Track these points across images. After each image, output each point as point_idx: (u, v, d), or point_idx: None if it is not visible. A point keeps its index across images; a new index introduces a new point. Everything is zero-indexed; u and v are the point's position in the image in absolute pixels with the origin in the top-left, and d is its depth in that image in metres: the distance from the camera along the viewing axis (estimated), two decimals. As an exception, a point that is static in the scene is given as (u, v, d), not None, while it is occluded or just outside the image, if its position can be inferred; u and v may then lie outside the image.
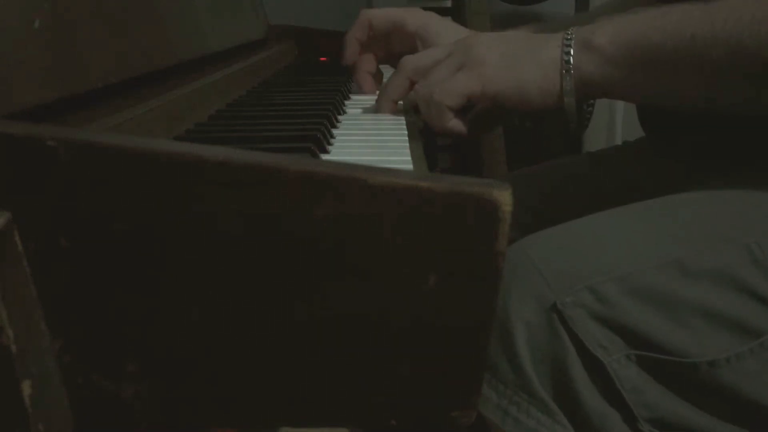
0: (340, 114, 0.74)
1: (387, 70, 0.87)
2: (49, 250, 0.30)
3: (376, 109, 0.72)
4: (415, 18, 0.78)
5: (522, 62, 0.60)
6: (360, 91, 0.84)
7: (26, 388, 0.27)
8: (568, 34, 0.58)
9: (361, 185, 0.29)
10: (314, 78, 0.99)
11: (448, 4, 1.80)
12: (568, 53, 0.57)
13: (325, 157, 0.56)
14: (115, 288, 0.30)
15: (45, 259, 0.30)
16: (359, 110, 0.76)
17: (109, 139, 0.30)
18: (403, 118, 0.70)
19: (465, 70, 0.61)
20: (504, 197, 0.29)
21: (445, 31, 0.77)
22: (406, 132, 0.64)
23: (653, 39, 0.55)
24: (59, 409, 0.30)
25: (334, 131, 0.64)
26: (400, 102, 0.72)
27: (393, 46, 0.81)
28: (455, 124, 0.63)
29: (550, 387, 0.50)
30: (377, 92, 0.80)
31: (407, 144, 0.59)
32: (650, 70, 0.55)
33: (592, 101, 0.64)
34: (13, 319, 0.27)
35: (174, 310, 0.31)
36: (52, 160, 0.29)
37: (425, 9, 0.80)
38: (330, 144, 0.60)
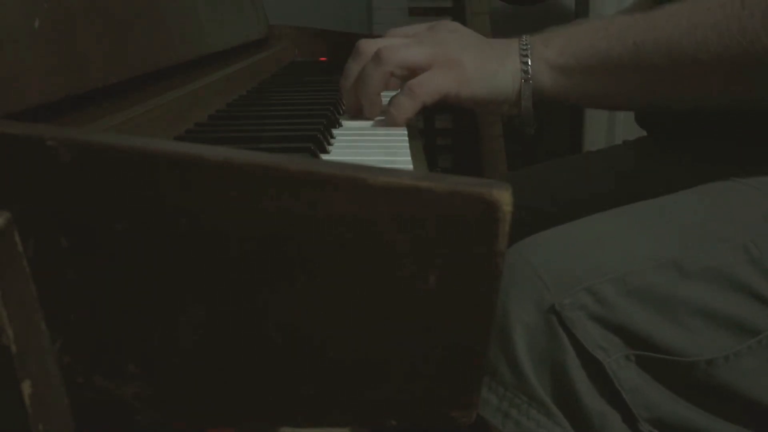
0: (340, 114, 0.74)
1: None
2: (49, 250, 0.30)
3: (388, 123, 0.65)
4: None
5: (494, 69, 0.62)
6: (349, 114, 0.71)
7: (26, 388, 0.27)
8: (523, 43, 0.61)
9: (361, 185, 0.29)
10: (314, 78, 0.98)
11: (449, 4, 1.80)
12: (526, 63, 0.61)
13: (325, 157, 0.56)
14: (115, 288, 0.30)
15: (45, 259, 0.30)
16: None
17: (110, 139, 0.30)
18: None
19: (445, 70, 0.61)
20: (504, 197, 0.29)
21: None
22: (406, 132, 0.63)
23: (599, 47, 0.58)
24: (59, 409, 0.30)
25: (334, 131, 0.64)
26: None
27: None
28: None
29: (549, 388, 0.50)
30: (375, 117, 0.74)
31: (407, 144, 0.59)
32: (597, 76, 0.59)
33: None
34: (13, 319, 0.27)
35: (174, 310, 0.31)
36: (52, 160, 0.29)
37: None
38: (330, 144, 0.60)
